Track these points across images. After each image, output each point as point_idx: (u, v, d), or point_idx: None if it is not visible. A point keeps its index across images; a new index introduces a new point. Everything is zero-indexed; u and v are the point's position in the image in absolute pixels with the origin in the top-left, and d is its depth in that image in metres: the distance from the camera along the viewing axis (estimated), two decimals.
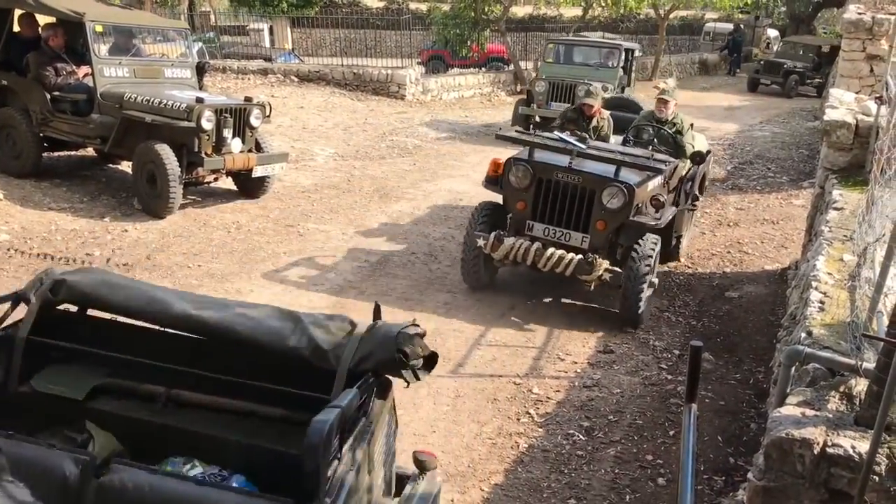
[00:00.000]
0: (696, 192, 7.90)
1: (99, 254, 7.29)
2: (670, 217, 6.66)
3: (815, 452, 2.86)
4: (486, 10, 22.73)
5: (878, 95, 7.09)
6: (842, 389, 3.27)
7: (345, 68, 18.42)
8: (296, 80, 17.85)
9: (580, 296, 7.02)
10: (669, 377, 5.75)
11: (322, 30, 26.09)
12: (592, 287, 6.34)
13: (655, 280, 6.61)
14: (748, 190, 11.62)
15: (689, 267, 8.21)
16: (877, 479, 2.75)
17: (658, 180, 6.60)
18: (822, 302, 4.24)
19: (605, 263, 6.18)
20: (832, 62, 24.49)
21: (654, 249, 6.28)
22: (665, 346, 6.28)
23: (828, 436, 2.89)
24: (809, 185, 10.89)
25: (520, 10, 32.02)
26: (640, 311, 6.32)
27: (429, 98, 18.50)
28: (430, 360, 2.47)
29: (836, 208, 5.92)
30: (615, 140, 7.91)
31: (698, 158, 7.34)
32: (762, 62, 26.43)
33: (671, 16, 29.17)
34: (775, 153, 14.36)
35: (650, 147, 7.38)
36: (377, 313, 2.55)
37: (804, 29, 34.16)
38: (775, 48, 36.74)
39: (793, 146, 15.08)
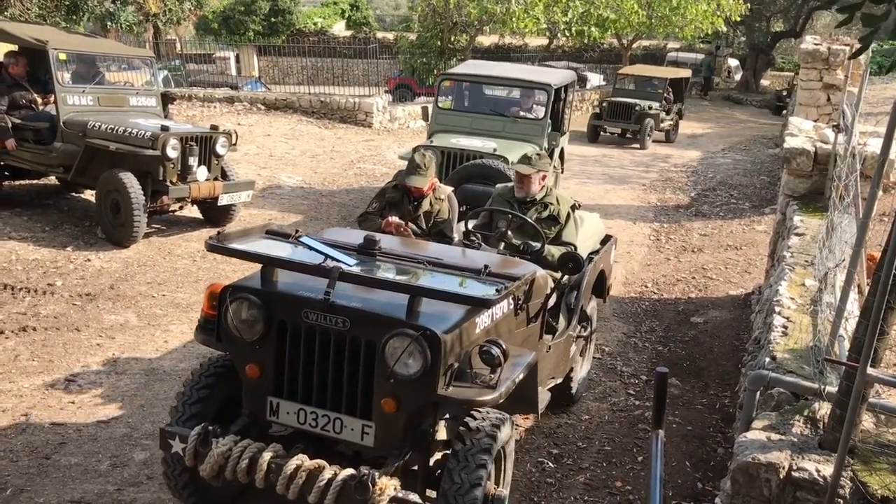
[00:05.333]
0: (588, 309, 5.47)
1: (61, 284, 7.16)
2: (522, 375, 3.64)
3: (781, 477, 2.88)
4: (453, 39, 23.03)
5: (835, 124, 7.27)
6: (806, 413, 3.30)
7: (312, 96, 18.44)
8: (262, 108, 17.82)
9: None
10: (637, 403, 5.77)
11: (289, 58, 26.13)
12: None
13: (504, 493, 3.66)
14: (711, 216, 11.79)
15: (654, 293, 8.28)
16: (841, 502, 2.78)
17: (497, 311, 3.81)
18: (785, 327, 4.30)
19: (392, 485, 3.28)
20: (681, 96, 21.72)
21: (492, 443, 3.46)
22: (632, 372, 6.31)
23: (793, 460, 2.91)
24: (771, 212, 11.09)
25: (486, 40, 32.39)
26: None
27: (396, 126, 18.57)
28: None
29: (797, 234, 6.04)
30: (461, 231, 5.36)
31: (571, 265, 4.57)
32: (605, 104, 19.72)
33: (634, 45, 29.74)
34: (738, 180, 14.61)
35: (503, 245, 5.02)
36: None
37: (763, 59, 35.01)
38: (737, 77, 37.70)
39: (754, 173, 15.36)
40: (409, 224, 5.19)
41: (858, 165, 5.13)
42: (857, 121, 6.12)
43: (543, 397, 4.41)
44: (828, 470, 2.81)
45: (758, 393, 3.57)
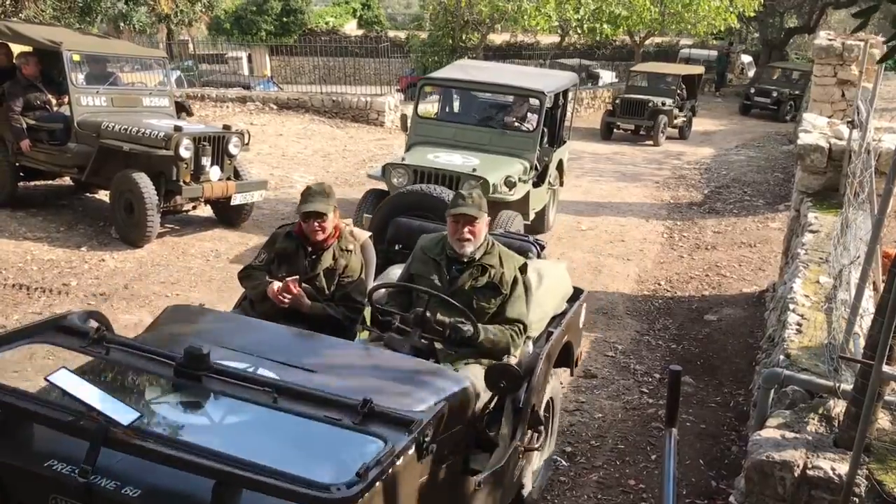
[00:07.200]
0: (546, 394, 4.06)
1: (76, 284, 7.21)
2: None
3: (796, 475, 2.87)
4: (464, 37, 23.04)
5: (849, 120, 7.21)
6: (821, 411, 3.29)
7: (324, 96, 18.46)
8: (274, 107, 17.87)
9: None
10: (650, 401, 5.75)
11: (301, 58, 26.19)
12: None
13: None
14: (725, 213, 11.73)
15: (668, 290, 8.25)
16: (857, 500, 2.76)
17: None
18: (799, 324, 4.28)
19: None
20: (694, 93, 21.50)
21: None
22: (646, 370, 6.29)
23: (808, 458, 2.90)
24: (785, 209, 11.01)
25: (497, 38, 32.36)
26: None
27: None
28: None
29: (811, 231, 6.00)
30: (385, 288, 4.07)
31: (504, 384, 3.13)
32: (619, 100, 19.55)
33: (646, 42, 29.64)
34: (751, 177, 14.53)
35: (418, 335, 3.59)
36: None
37: (777, 55, 34.80)
38: (750, 73, 37.44)
39: (768, 170, 15.27)
40: (303, 285, 3.89)
41: (873, 161, 5.09)
42: (872, 116, 6.07)
43: None
44: (843, 468, 2.80)
45: (772, 391, 3.55)
